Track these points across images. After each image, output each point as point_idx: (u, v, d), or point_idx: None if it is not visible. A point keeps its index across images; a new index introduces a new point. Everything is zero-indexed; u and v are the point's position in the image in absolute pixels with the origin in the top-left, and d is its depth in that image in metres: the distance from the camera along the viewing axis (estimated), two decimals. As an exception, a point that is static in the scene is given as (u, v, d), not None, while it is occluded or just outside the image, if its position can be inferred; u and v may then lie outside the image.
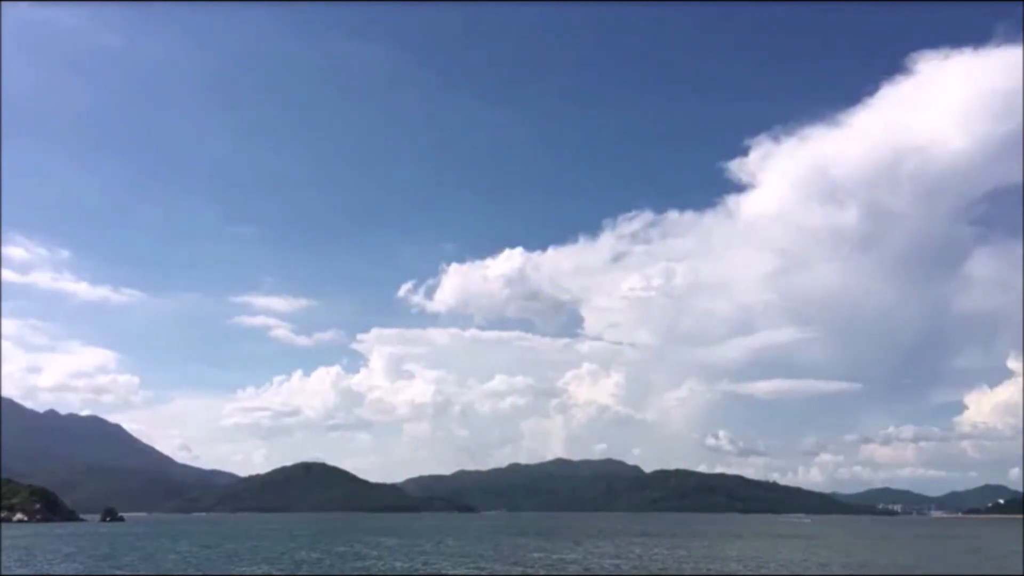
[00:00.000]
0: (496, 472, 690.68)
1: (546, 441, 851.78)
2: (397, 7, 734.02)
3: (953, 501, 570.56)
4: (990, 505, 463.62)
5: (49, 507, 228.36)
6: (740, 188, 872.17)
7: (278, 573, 59.11)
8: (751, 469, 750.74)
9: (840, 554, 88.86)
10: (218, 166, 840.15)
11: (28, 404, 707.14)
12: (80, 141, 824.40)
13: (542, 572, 61.45)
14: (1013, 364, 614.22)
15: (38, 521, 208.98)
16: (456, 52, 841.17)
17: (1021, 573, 64.27)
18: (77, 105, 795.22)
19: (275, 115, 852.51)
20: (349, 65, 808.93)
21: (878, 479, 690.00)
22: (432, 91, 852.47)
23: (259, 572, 59.90)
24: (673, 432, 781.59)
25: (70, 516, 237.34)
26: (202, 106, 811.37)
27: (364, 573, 59.56)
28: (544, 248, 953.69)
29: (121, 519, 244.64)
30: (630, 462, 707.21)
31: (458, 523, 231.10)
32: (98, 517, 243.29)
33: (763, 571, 64.35)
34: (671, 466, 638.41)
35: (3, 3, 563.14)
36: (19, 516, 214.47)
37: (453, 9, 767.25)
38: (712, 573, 61.99)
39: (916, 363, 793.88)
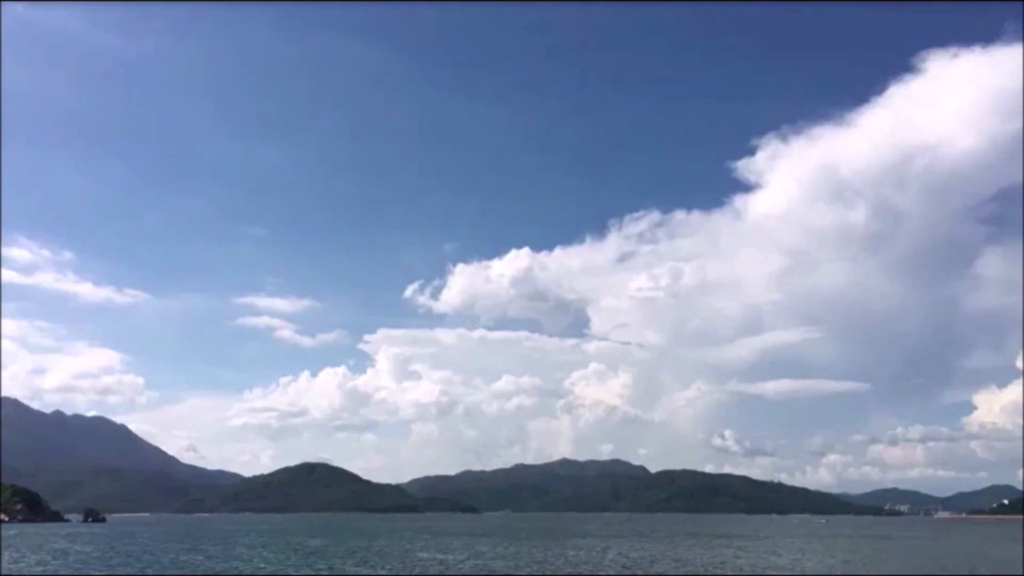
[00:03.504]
0: (501, 472, 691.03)
1: (552, 441, 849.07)
2: (401, 7, 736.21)
3: (960, 501, 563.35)
4: (995, 505, 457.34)
5: (31, 508, 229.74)
6: (747, 188, 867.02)
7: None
8: (758, 469, 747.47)
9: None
10: (220, 167, 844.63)
11: (34, 405, 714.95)
12: (81, 141, 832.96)
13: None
14: (1022, 364, 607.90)
15: (19, 522, 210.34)
16: (462, 51, 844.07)
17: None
18: (77, 105, 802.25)
19: (277, 115, 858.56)
20: (353, 65, 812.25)
21: (886, 479, 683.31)
22: (437, 91, 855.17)
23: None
24: (680, 432, 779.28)
25: (53, 517, 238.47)
26: (203, 106, 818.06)
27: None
28: (551, 248, 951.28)
29: (103, 520, 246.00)
30: (636, 462, 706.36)
31: (432, 524, 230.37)
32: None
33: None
34: (677, 466, 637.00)
35: (2, 3, 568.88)
36: (1, 516, 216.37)
37: (457, 8, 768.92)
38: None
39: (925, 363, 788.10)
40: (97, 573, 60.53)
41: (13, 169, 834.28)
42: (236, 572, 62.28)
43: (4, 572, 61.24)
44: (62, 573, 60.80)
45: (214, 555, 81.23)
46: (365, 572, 62.32)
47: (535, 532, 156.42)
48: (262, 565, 68.59)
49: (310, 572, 62.24)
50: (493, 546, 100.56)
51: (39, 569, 63.88)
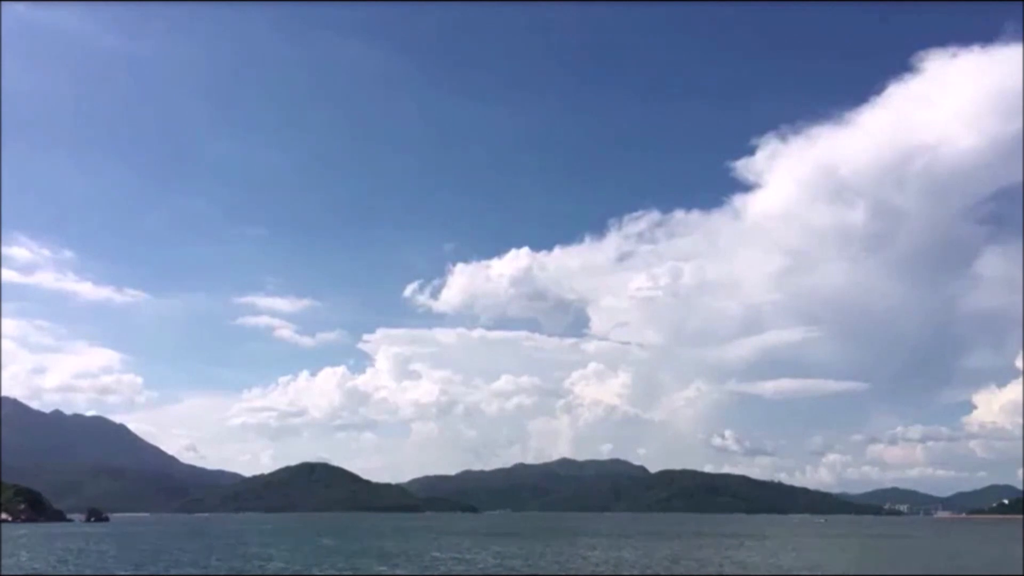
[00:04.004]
0: (501, 472, 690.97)
1: (552, 441, 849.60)
2: (401, 7, 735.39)
3: (960, 501, 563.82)
4: (994, 505, 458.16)
5: (34, 507, 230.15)
6: (747, 188, 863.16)
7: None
8: (758, 469, 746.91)
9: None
10: (220, 167, 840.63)
11: (34, 405, 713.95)
12: (81, 141, 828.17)
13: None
14: (1022, 363, 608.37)
15: (23, 521, 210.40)
16: (462, 51, 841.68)
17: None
18: (78, 105, 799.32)
19: (277, 115, 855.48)
20: (353, 65, 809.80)
21: (886, 479, 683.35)
22: (437, 91, 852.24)
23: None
24: (679, 432, 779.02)
25: (55, 516, 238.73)
26: (203, 106, 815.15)
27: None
28: (551, 248, 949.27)
29: (106, 519, 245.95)
30: (636, 462, 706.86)
31: (433, 523, 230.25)
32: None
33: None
34: (677, 466, 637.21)
35: (2, 3, 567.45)
36: (4, 516, 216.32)
37: (457, 8, 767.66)
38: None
39: (924, 363, 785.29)
40: (123, 573, 60.44)
41: (13, 169, 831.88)
42: (262, 572, 62.16)
43: (25, 572, 61.12)
44: (87, 573, 60.73)
45: (231, 554, 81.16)
46: (388, 572, 62.22)
47: (541, 532, 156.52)
48: (282, 565, 68.47)
49: (334, 572, 62.13)
50: (507, 545, 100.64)
51: (62, 569, 63.85)
